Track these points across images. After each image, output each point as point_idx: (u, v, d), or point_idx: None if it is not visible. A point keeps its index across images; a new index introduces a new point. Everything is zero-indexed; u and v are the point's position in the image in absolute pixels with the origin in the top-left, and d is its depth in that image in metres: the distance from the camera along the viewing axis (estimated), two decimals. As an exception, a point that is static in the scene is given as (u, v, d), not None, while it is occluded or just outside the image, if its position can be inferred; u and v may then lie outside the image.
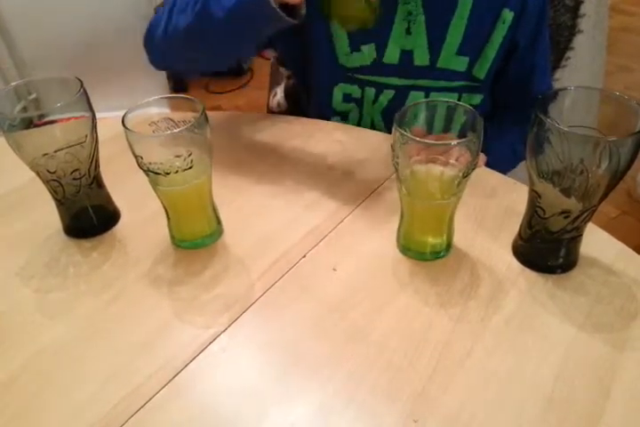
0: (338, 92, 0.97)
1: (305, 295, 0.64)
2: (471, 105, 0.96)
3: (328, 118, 0.98)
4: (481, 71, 0.94)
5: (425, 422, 0.52)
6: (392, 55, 0.92)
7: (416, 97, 0.94)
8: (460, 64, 0.93)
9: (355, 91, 0.96)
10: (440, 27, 0.90)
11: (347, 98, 0.97)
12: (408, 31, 0.90)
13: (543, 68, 1.00)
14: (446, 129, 0.62)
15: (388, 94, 0.95)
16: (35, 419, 0.54)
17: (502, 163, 0.87)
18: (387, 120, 0.98)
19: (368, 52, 0.92)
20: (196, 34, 0.79)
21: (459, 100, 0.96)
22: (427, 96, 0.95)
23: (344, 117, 1.00)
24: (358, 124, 1.00)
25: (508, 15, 0.89)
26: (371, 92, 0.95)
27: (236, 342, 0.59)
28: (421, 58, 0.92)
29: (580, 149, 0.53)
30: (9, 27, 1.53)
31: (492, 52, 0.92)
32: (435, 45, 0.91)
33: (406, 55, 0.92)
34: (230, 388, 0.56)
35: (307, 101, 1.04)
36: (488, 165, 0.83)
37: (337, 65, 0.94)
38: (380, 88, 0.95)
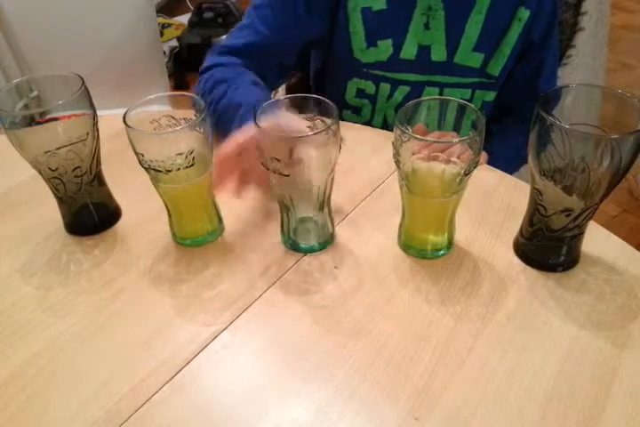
0: (351, 87, 0.96)
1: (306, 293, 0.64)
2: (485, 102, 0.97)
3: (340, 111, 0.99)
4: (495, 68, 0.93)
5: (426, 419, 0.52)
6: (409, 51, 0.91)
7: (430, 93, 0.94)
8: (476, 61, 0.92)
9: (369, 86, 0.96)
10: (459, 22, 0.89)
11: (360, 94, 0.97)
12: (427, 26, 0.89)
13: (551, 69, 0.99)
14: (455, 129, 0.62)
15: (403, 90, 0.95)
16: (37, 416, 0.54)
17: (506, 165, 0.87)
18: None
19: (385, 48, 0.91)
20: None
21: (472, 96, 0.96)
22: (441, 92, 0.95)
23: (356, 112, 1.00)
24: (370, 121, 1.00)
25: (524, 13, 0.89)
26: (386, 87, 0.95)
27: (238, 340, 0.60)
28: (439, 53, 0.92)
29: (582, 147, 0.53)
30: (11, 24, 1.53)
31: (507, 49, 0.92)
32: (453, 41, 0.91)
33: (424, 51, 0.91)
34: (231, 385, 0.56)
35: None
36: (491, 165, 0.83)
37: (352, 59, 0.93)
38: (396, 84, 0.95)
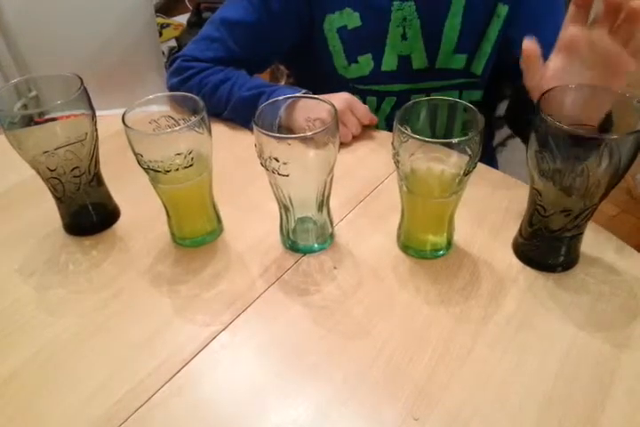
0: None
1: (306, 293, 0.64)
2: (471, 102, 0.98)
3: None
4: (478, 67, 0.93)
5: (425, 420, 0.52)
6: (390, 62, 0.92)
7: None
8: (459, 62, 0.92)
9: None
10: (435, 28, 0.89)
11: None
12: (404, 37, 0.90)
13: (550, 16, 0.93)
14: (449, 127, 0.62)
15: (390, 101, 0.95)
16: (36, 416, 0.54)
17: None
18: (391, 127, 0.98)
19: (366, 63, 0.92)
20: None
21: (460, 97, 0.96)
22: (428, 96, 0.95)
23: None
24: None
25: (502, 9, 0.89)
26: (372, 100, 0.96)
27: (237, 340, 0.59)
28: (419, 61, 0.92)
29: (581, 148, 0.53)
30: (9, 24, 1.53)
31: (488, 47, 0.92)
32: (432, 47, 0.91)
33: (404, 60, 0.92)
34: (231, 385, 0.56)
35: None
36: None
37: (337, 76, 0.94)
38: (382, 96, 0.95)
